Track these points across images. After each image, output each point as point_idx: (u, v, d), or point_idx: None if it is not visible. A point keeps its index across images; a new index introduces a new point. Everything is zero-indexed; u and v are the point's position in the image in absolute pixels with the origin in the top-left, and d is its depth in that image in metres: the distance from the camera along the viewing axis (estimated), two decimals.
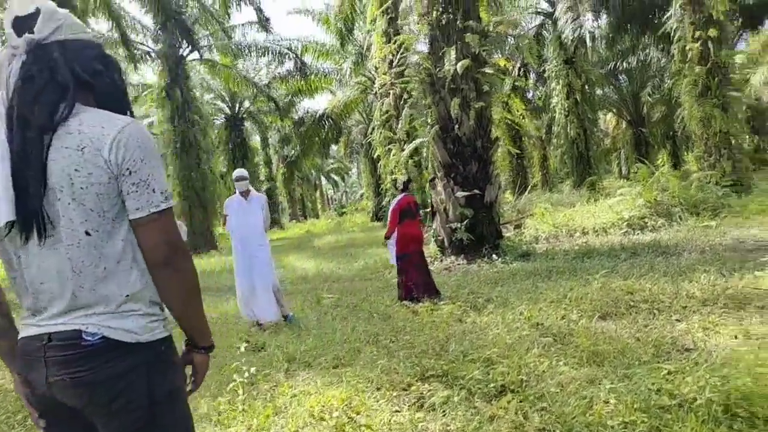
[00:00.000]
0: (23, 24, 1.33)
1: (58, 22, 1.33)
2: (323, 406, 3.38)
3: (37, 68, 1.27)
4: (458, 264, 8.83)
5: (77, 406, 1.35)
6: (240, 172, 6.05)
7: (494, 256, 8.70)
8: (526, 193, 18.11)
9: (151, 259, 1.37)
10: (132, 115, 1.43)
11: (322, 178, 51.15)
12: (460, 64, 8.63)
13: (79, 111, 1.31)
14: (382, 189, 20.69)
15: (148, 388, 1.35)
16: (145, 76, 23.72)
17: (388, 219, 6.71)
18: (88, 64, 1.36)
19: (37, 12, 1.32)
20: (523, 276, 7.25)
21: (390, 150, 16.89)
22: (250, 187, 6.11)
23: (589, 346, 3.93)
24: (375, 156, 19.46)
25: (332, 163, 47.09)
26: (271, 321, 5.95)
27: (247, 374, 3.83)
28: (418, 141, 10.69)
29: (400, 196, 6.76)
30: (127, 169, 1.30)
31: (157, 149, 1.41)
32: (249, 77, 23.78)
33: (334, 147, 35.15)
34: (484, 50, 9.12)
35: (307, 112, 26.04)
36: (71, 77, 1.30)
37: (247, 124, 28.20)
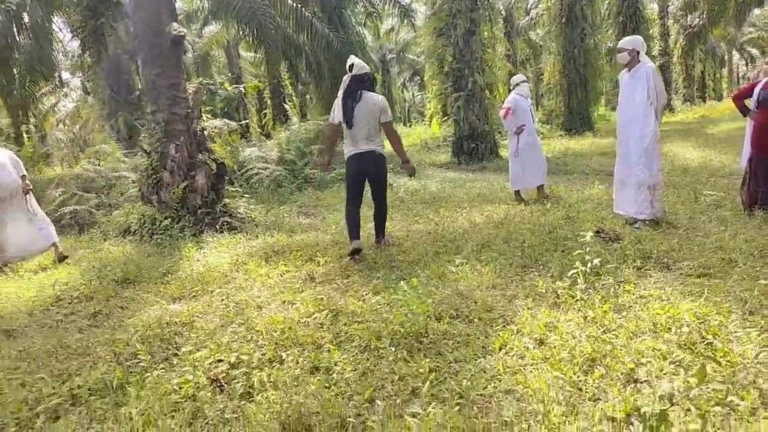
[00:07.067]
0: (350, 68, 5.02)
1: (361, 67, 4.97)
2: (670, 317, 2.96)
3: (353, 82, 4.94)
4: None
5: (374, 172, 5.02)
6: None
7: None
8: None
9: (386, 132, 5.09)
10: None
11: (734, 52, 42.17)
12: None
13: (369, 93, 4.99)
14: None
15: (385, 168, 5.14)
16: None
17: None
18: (370, 80, 5.06)
19: (354, 64, 4.98)
20: None
21: None
22: (642, 57, 5.15)
23: None
24: None
25: (751, 33, 38.00)
26: (632, 216, 5.28)
27: (590, 264, 3.64)
28: None
29: None
30: (383, 109, 4.95)
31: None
32: None
33: (756, 11, 28.15)
34: None
35: None
36: (367, 83, 5.01)
37: None
